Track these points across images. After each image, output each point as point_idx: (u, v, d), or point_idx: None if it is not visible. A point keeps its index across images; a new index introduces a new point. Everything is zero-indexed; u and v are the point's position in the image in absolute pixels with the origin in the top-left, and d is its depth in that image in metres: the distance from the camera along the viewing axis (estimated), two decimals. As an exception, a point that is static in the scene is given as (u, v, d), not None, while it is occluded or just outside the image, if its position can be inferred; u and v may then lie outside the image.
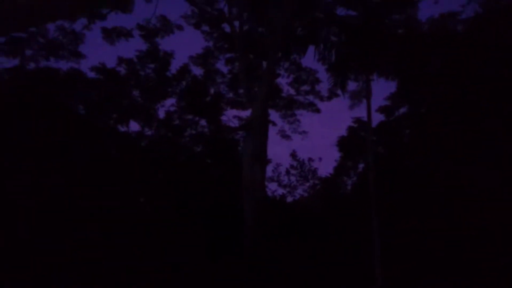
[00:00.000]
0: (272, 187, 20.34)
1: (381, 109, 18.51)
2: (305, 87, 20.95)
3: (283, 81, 20.82)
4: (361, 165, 18.45)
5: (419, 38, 15.74)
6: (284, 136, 21.67)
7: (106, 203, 12.62)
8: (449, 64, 14.55)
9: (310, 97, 21.09)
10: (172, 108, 20.05)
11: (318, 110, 21.26)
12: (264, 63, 17.69)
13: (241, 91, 19.66)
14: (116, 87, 18.88)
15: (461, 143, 13.03)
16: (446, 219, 12.46)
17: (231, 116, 22.17)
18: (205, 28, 19.54)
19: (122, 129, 18.89)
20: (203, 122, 20.32)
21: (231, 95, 20.78)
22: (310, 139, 22.64)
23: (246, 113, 18.61)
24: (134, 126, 20.36)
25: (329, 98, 20.67)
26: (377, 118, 18.96)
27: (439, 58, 15.17)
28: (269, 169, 19.71)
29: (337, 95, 20.23)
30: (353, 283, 11.87)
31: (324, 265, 13.36)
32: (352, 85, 17.00)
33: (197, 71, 20.57)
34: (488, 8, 14.87)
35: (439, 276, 11.40)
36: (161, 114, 20.08)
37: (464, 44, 14.47)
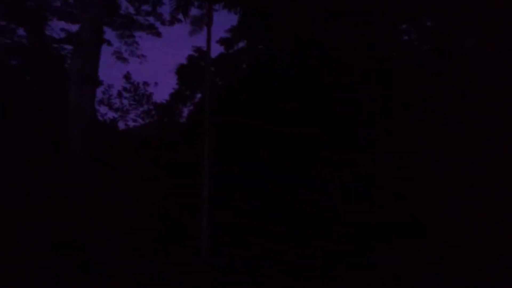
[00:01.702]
0: (103, 111, 19.07)
1: (222, 41, 18.62)
2: (147, 7, 19.54)
3: (122, -3, 18.90)
4: (198, 95, 18.62)
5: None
6: (120, 58, 20.06)
7: None
8: (288, 10, 15.16)
9: (151, 19, 19.83)
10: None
11: (159, 34, 20.14)
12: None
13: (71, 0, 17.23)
14: None
15: (302, 86, 13.75)
16: (283, 165, 12.91)
17: (58, 29, 19.43)
18: None
19: None
20: (21, 31, 17.31)
21: (58, 3, 18.04)
22: (148, 63, 21.56)
23: (76, 28, 16.46)
24: None
25: (171, 22, 19.71)
26: (218, 49, 19.09)
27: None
28: (99, 91, 18.30)
29: (179, 21, 19.48)
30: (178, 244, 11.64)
31: (151, 208, 13.28)
32: (195, 12, 16.52)
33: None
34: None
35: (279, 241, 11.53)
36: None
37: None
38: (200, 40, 24.23)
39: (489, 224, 10.12)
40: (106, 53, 20.40)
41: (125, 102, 18.92)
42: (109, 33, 19.10)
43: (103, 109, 18.90)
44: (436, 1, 12.82)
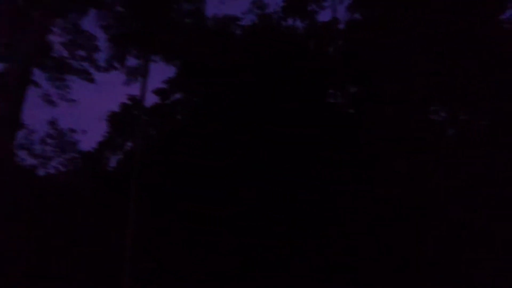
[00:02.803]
0: (21, 155, 17.79)
1: (158, 92, 18.61)
2: (82, 53, 19.14)
3: (56, 40, 18.40)
4: (130, 144, 18.12)
5: (203, 32, 16.50)
6: (49, 101, 19.20)
7: None
8: (225, 63, 15.72)
9: (86, 64, 19.39)
10: None
11: (92, 80, 19.63)
12: (36, 13, 15.22)
13: (-1, 38, 16.42)
14: None
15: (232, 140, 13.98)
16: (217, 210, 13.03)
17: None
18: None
19: None
20: None
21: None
22: (78, 109, 20.79)
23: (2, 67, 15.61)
24: None
25: (107, 69, 19.36)
26: (153, 99, 19.00)
27: (218, 55, 16.22)
28: (21, 134, 17.18)
29: (115, 68, 19.26)
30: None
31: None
32: (132, 61, 16.52)
33: None
34: (262, 20, 16.69)
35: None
36: None
37: (241, 47, 15.93)
38: (135, 89, 24.06)
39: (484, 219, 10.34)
40: (33, 94, 19.44)
41: (48, 149, 17.87)
42: (38, 75, 18.36)
43: (21, 153, 17.69)
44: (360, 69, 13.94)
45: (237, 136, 13.79)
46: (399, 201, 11.32)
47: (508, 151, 11.08)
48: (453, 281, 9.45)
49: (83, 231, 13.20)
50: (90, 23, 20.49)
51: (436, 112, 13.18)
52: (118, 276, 10.76)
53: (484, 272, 9.39)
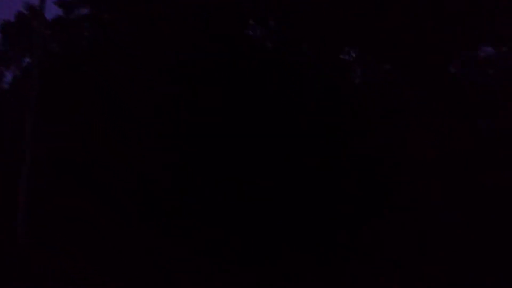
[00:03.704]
0: None
1: (61, 3, 16.58)
2: None
3: None
4: (27, 59, 16.27)
5: None
6: None
7: None
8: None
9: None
10: None
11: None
12: None
13: None
14: None
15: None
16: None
17: None
18: None
19: None
20: None
21: None
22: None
23: None
24: None
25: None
26: (56, 11, 16.95)
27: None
28: None
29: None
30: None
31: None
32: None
33: None
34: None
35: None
36: None
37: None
38: (35, -2, 21.29)
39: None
40: None
41: None
42: None
43: None
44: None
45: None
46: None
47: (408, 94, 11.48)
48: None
49: None
50: None
51: (347, 53, 13.45)
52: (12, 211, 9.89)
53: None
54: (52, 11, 17.02)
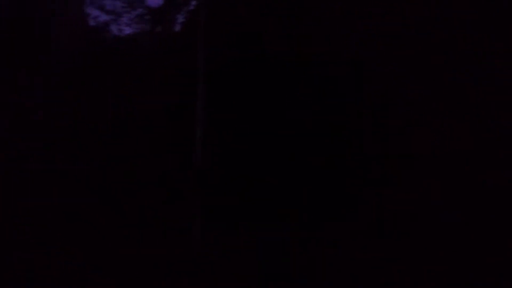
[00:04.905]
0: (94, 14, 17.94)
1: None
2: None
3: None
4: (194, 2, 17.43)
5: None
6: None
7: None
8: None
9: None
10: None
11: None
12: None
13: None
14: None
15: None
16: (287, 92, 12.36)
17: None
18: None
19: None
20: None
21: None
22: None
23: None
24: None
25: None
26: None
27: None
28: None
29: None
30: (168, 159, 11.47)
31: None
32: None
33: None
34: None
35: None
36: None
37: None
38: None
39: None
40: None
41: (118, 4, 17.71)
42: None
43: (96, 12, 17.77)
44: None
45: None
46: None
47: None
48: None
49: (148, 97, 13.44)
50: None
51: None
52: (187, 156, 11.22)
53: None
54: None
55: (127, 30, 18.34)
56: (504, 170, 9.90)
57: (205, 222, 10.46)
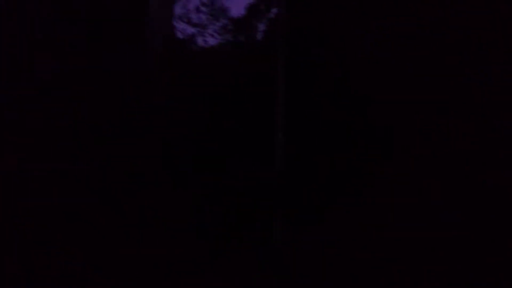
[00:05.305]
0: (180, 27, 19.19)
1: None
2: None
3: None
4: (274, 10, 17.80)
5: None
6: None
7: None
8: None
9: None
10: None
11: None
12: None
13: None
14: None
15: None
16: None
17: None
18: None
19: None
20: None
21: None
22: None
23: None
24: None
25: None
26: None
27: None
28: (177, 7, 18.27)
29: None
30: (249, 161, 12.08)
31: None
32: None
33: None
34: None
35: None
36: None
37: None
38: None
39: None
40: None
41: (203, 17, 18.77)
42: None
43: (181, 25, 19.01)
44: None
45: None
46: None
47: None
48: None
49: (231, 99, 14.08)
50: None
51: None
52: (269, 150, 11.48)
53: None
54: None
55: (211, 41, 19.33)
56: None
57: (286, 226, 10.71)
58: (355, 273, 10.69)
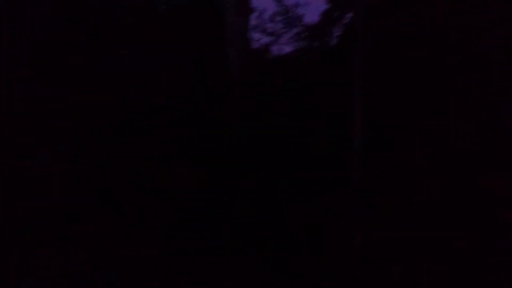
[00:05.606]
0: (256, 37, 19.69)
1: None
2: None
3: None
4: (349, 15, 17.50)
5: None
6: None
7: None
8: None
9: None
10: None
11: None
12: None
13: None
14: None
15: None
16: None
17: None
18: None
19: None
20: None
21: None
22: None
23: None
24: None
25: None
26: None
27: None
28: (252, 17, 18.82)
29: None
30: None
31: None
32: None
33: None
34: None
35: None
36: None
37: None
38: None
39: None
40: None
41: (278, 26, 19.07)
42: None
43: (257, 35, 19.53)
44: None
45: None
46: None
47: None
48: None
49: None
50: None
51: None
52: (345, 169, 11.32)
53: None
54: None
55: (286, 49, 19.54)
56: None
57: (365, 235, 10.52)
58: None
